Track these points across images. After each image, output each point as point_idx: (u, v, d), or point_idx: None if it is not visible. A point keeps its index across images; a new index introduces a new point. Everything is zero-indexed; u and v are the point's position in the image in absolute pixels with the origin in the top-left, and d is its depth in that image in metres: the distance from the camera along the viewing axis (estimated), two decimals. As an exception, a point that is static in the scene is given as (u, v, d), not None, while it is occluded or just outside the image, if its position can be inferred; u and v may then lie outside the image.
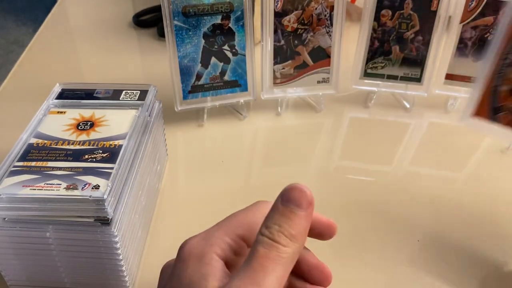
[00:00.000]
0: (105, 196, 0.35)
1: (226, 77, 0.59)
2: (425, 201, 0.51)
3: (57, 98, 0.46)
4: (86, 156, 0.39)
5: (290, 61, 0.61)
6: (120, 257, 0.37)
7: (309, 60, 0.61)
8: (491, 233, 0.48)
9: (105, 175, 0.37)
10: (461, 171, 0.55)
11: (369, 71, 0.63)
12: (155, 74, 0.70)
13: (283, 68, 0.61)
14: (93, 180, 0.36)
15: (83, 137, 0.41)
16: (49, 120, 0.43)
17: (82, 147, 0.40)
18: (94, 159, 0.39)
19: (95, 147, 0.40)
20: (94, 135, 0.42)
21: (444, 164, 0.56)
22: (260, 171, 0.56)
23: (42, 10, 2.47)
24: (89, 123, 0.43)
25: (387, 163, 0.56)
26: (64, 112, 0.44)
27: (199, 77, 0.58)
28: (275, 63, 0.60)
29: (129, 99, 0.47)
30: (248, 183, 0.54)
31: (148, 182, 0.46)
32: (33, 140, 0.41)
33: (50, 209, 0.35)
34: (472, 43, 0.60)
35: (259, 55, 0.59)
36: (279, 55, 0.60)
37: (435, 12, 0.59)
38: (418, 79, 0.63)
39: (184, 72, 0.57)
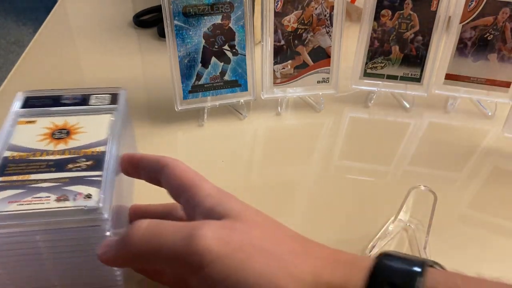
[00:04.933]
0: (100, 205, 0.34)
1: (226, 77, 0.59)
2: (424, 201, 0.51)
3: (22, 107, 0.43)
4: (70, 166, 0.37)
5: (290, 61, 0.61)
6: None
7: (309, 60, 0.61)
8: (491, 231, 0.48)
9: (94, 183, 0.36)
10: (461, 171, 0.55)
11: (369, 71, 0.63)
12: (155, 74, 0.70)
13: (283, 68, 0.61)
14: (83, 189, 0.35)
15: (62, 146, 0.40)
16: (20, 131, 0.41)
17: (63, 156, 0.38)
18: (79, 168, 0.37)
19: (76, 155, 0.39)
20: (72, 143, 0.40)
21: (444, 164, 0.56)
22: (260, 171, 0.56)
23: (42, 10, 2.47)
24: (64, 131, 0.41)
25: (387, 163, 0.56)
26: (34, 122, 0.42)
27: (199, 77, 0.58)
28: (275, 63, 0.60)
29: (100, 104, 0.44)
30: (248, 183, 0.54)
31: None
32: (8, 153, 0.38)
33: (44, 223, 0.34)
34: (472, 43, 0.60)
35: (259, 55, 0.59)
36: (279, 55, 0.60)
37: (434, 12, 0.59)
38: (418, 79, 0.63)
39: (184, 72, 0.57)
